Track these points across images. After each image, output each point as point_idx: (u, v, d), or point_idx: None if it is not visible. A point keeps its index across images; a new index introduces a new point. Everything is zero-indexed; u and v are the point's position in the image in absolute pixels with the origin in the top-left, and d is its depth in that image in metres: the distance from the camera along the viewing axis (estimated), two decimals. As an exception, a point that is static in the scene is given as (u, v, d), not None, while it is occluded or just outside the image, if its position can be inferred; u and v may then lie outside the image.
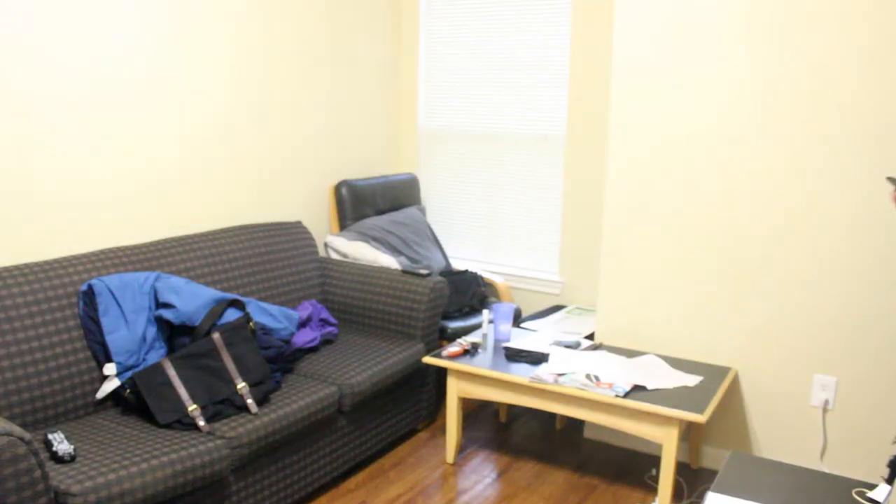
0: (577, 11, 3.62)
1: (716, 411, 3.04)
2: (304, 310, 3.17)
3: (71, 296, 2.49)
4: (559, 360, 2.92)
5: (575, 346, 3.10)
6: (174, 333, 2.63)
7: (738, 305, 2.94)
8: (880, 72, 2.57)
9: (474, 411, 3.60)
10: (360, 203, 3.82)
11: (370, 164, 4.10)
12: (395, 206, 4.00)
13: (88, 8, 2.66)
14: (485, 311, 3.24)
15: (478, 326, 3.49)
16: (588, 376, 2.77)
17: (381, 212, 3.92)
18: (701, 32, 2.85)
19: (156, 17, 2.89)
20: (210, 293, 2.70)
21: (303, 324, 3.11)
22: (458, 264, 4.13)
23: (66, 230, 2.69)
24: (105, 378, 2.50)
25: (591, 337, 3.29)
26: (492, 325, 3.26)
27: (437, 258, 3.90)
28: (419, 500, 2.82)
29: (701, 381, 2.78)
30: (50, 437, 2.16)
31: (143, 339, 2.57)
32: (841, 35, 2.61)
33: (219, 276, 2.98)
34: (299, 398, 2.62)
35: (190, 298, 2.63)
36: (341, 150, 3.90)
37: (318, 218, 3.81)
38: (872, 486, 1.74)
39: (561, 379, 2.75)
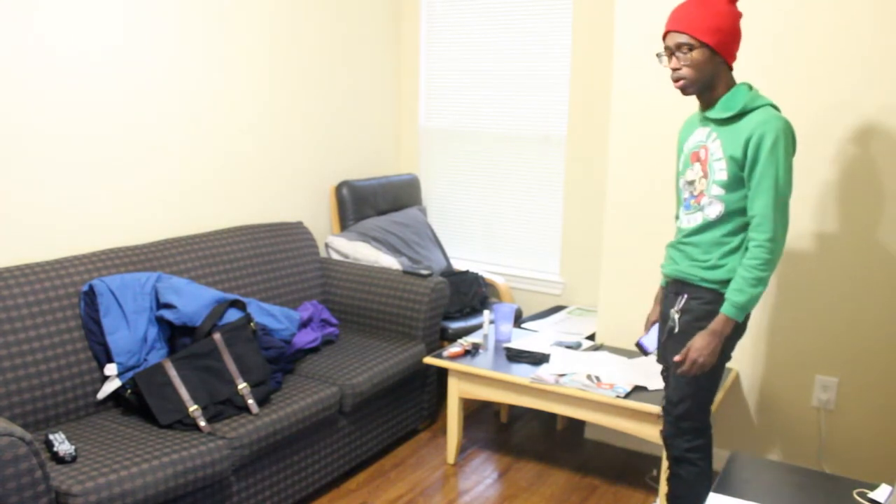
0: (579, 11, 3.61)
1: (717, 412, 3.04)
2: (305, 310, 3.18)
3: (72, 296, 2.49)
4: (560, 361, 2.92)
5: (576, 346, 3.10)
6: (175, 334, 2.63)
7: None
8: None
9: (475, 412, 3.60)
10: (361, 203, 3.81)
11: (371, 164, 4.10)
12: (396, 207, 4.00)
13: (91, 9, 2.67)
14: (486, 312, 3.24)
15: (479, 327, 3.49)
16: (589, 377, 2.77)
17: (381, 212, 3.91)
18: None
19: (158, 21, 2.89)
20: (211, 294, 2.70)
21: (304, 324, 3.11)
22: (458, 265, 4.13)
23: (67, 230, 2.69)
24: (106, 378, 2.50)
25: (591, 337, 3.29)
26: (493, 326, 3.26)
27: (438, 258, 3.90)
28: (420, 500, 2.82)
29: (702, 382, 2.78)
30: (51, 437, 2.16)
31: (144, 339, 2.57)
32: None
33: (220, 276, 2.99)
34: (300, 399, 2.62)
35: (191, 299, 2.64)
36: (342, 150, 3.90)
37: (319, 218, 3.81)
38: (873, 487, 1.74)
39: (562, 379, 2.75)
